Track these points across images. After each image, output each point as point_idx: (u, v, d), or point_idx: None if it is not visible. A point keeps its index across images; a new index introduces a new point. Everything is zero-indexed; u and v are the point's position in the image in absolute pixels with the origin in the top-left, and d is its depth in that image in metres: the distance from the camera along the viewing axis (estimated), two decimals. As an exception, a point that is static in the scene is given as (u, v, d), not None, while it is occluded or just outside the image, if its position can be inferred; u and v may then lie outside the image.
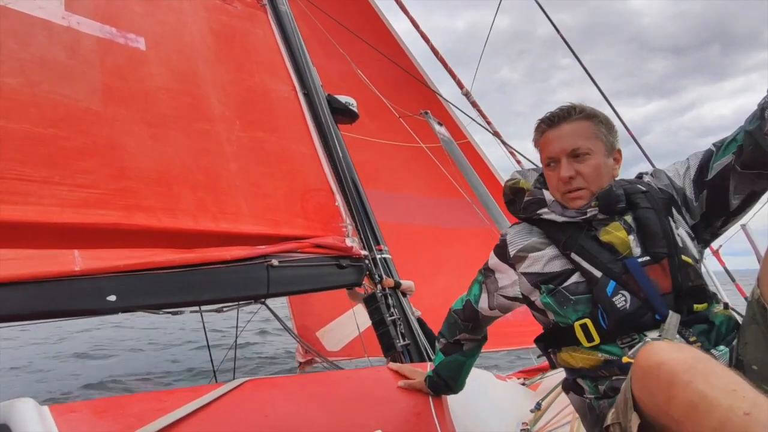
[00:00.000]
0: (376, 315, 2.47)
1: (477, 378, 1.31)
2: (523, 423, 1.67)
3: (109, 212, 1.64)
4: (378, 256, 2.66)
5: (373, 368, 2.09)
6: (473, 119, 3.20)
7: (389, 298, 2.59)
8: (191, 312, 2.01)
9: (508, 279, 1.21)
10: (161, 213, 1.80)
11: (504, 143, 4.07)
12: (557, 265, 1.11)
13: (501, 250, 1.24)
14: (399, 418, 1.17)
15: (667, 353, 0.72)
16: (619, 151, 1.14)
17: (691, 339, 0.96)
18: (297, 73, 2.85)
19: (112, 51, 1.99)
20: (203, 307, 2.20)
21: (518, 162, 4.68)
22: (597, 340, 1.03)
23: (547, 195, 1.14)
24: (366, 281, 2.54)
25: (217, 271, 1.87)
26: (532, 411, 1.81)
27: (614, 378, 1.01)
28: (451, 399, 1.33)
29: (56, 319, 1.53)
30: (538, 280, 1.12)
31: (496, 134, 4.13)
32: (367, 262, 2.53)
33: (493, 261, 1.26)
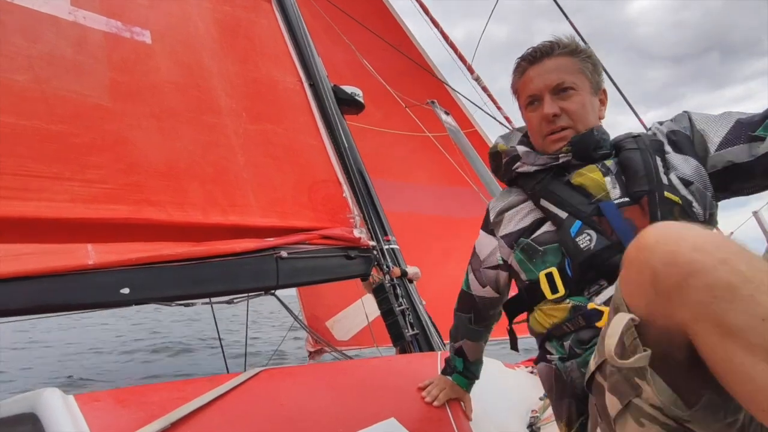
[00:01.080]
0: (384, 305, 2.49)
1: (486, 366, 1.32)
2: (532, 410, 1.68)
3: (120, 207, 1.66)
4: (386, 247, 2.67)
5: (385, 357, 2.11)
6: (479, 107, 3.17)
7: (398, 288, 2.61)
8: (202, 303, 2.03)
9: (488, 247, 1.11)
10: (170, 207, 1.81)
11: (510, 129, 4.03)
12: (530, 219, 1.02)
13: (485, 219, 1.14)
14: (412, 407, 1.19)
15: (677, 230, 0.53)
16: (605, 92, 1.04)
17: None
18: (302, 64, 2.84)
19: (118, 45, 1.99)
20: (214, 299, 2.22)
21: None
22: (562, 290, 0.91)
23: (520, 148, 1.06)
24: (374, 272, 2.56)
25: (227, 264, 1.89)
26: (541, 399, 1.83)
27: (579, 330, 0.89)
28: None
29: (71, 312, 1.56)
30: (513, 238, 1.03)
31: (507, 119, 4.10)
32: (375, 252, 2.55)
33: (479, 236, 1.16)
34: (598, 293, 0.88)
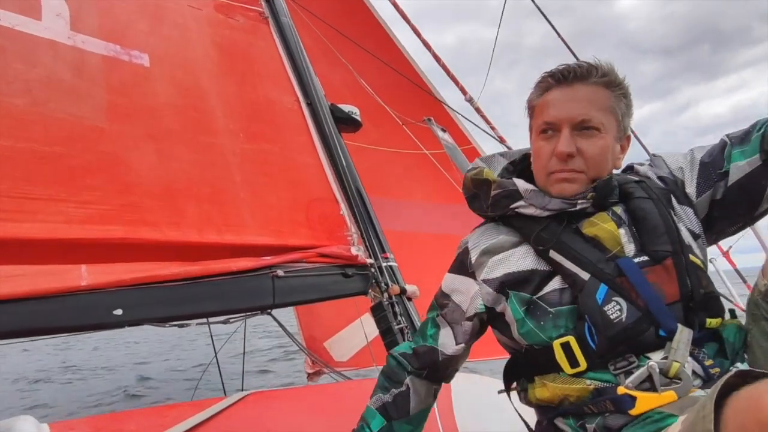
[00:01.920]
0: (383, 323, 2.46)
1: (484, 386, 1.30)
2: (531, 432, 1.64)
3: (115, 227, 1.66)
4: (384, 264, 2.66)
5: (375, 379, 2.08)
6: (476, 125, 3.20)
7: (396, 306, 2.58)
8: (198, 324, 2.02)
9: (467, 294, 0.94)
10: (166, 227, 1.81)
11: (509, 148, 4.06)
12: (525, 265, 0.87)
13: (459, 262, 0.98)
14: None
15: None
16: (629, 139, 0.90)
17: (707, 362, 0.76)
18: (300, 84, 2.87)
19: (116, 68, 2.02)
20: (210, 319, 2.21)
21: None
22: (583, 365, 0.78)
23: (521, 184, 0.89)
24: (372, 290, 2.54)
25: (223, 283, 1.88)
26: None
27: (607, 415, 0.76)
28: (457, 408, 1.31)
29: (63, 335, 1.55)
30: (506, 281, 0.88)
31: (500, 140, 4.12)
32: (372, 270, 2.53)
33: (448, 281, 1.00)
34: (626, 370, 0.77)
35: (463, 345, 0.97)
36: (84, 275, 1.46)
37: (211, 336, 2.67)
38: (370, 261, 2.53)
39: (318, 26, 3.44)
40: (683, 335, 0.74)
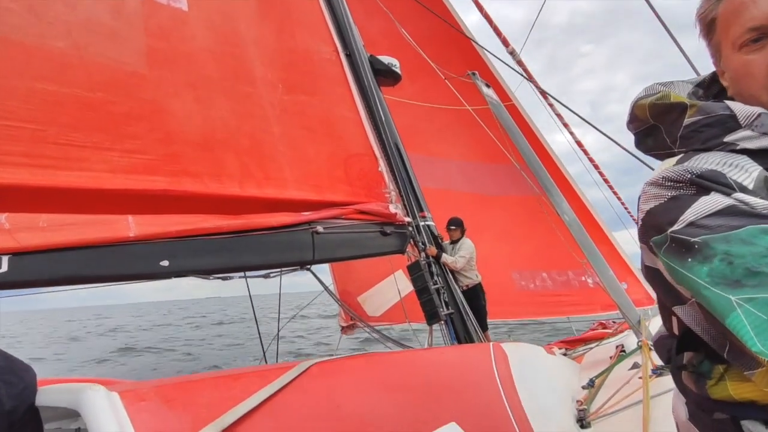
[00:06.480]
0: (419, 283, 2.45)
1: (531, 353, 1.26)
2: (577, 401, 1.61)
3: (158, 178, 1.64)
4: (421, 223, 2.61)
5: (437, 349, 2.08)
6: (525, 78, 3.01)
7: (432, 266, 2.55)
8: (239, 278, 2.03)
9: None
10: (208, 179, 1.79)
11: (551, 105, 3.87)
12: None
13: (712, 183, 0.58)
14: (471, 409, 1.13)
15: None
16: None
17: None
18: (339, 34, 2.74)
19: (155, 11, 1.94)
20: (249, 273, 2.22)
21: (565, 125, 4.45)
22: None
23: (738, 107, 0.64)
24: (409, 248, 2.51)
25: (264, 237, 1.87)
26: (584, 387, 1.76)
27: None
28: (517, 378, 1.27)
29: (112, 283, 1.57)
30: None
31: (543, 94, 3.92)
32: (410, 229, 2.49)
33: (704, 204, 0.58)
34: None
35: None
36: (132, 226, 1.46)
37: (249, 291, 2.70)
38: (407, 219, 2.49)
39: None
40: None
